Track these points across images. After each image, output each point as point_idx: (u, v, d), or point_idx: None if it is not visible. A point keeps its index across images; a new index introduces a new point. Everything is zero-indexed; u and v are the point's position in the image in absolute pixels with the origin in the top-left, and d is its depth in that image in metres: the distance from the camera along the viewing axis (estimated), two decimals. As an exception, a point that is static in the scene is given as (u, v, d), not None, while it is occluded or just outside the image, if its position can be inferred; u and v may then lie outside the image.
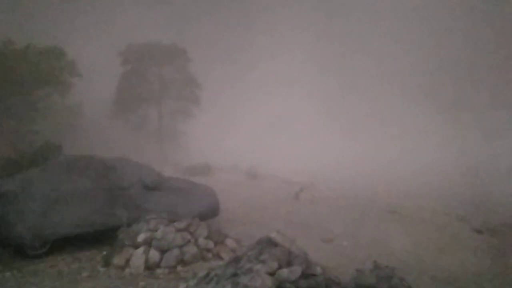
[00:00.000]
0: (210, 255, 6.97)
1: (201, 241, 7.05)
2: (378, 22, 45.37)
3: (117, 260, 6.42)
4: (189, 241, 6.89)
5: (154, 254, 6.47)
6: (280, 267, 4.28)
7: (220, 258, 6.91)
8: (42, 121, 20.14)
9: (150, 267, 6.32)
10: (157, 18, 42.00)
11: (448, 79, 38.84)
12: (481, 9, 39.21)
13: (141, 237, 6.69)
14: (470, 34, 39.67)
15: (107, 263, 6.53)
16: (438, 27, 42.40)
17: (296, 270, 4.23)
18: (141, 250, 6.49)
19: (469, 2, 39.88)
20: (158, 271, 6.27)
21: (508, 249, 9.54)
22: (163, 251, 6.56)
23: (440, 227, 11.46)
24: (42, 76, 18.86)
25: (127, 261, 6.39)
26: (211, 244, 7.12)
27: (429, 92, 37.86)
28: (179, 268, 6.42)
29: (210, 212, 9.01)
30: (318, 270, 4.43)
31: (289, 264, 4.39)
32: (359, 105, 39.37)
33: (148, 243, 6.63)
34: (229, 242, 7.54)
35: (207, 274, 4.79)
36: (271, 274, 4.15)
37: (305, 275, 4.26)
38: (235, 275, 4.31)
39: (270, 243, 4.69)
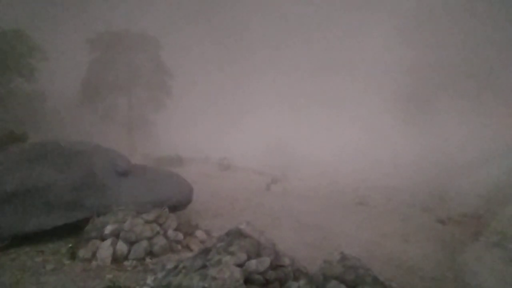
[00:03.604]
0: (179, 246, 6.92)
1: (171, 232, 6.99)
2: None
3: (83, 252, 6.27)
4: (158, 233, 6.81)
5: (122, 246, 6.36)
6: (249, 258, 4.29)
7: (190, 249, 6.87)
8: (4, 108, 19.26)
9: (117, 259, 6.21)
10: (130, 5, 40.84)
11: (415, 77, 39.80)
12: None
13: (108, 229, 6.56)
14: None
15: (72, 255, 6.36)
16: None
17: (264, 261, 4.26)
18: (108, 242, 6.36)
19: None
20: (126, 263, 6.18)
21: (468, 239, 9.97)
22: (131, 243, 6.45)
23: (406, 218, 11.84)
24: (2, 60, 17.96)
25: (94, 253, 6.25)
26: (180, 236, 7.07)
27: (394, 88, 38.69)
28: (148, 260, 6.34)
29: (184, 198, 8.90)
30: (287, 261, 4.48)
31: (258, 255, 4.41)
32: (327, 98, 39.74)
33: (115, 235, 6.51)
34: (199, 233, 7.52)
35: (176, 266, 4.75)
36: (240, 265, 4.16)
37: (273, 266, 4.30)
38: (203, 267, 4.29)
39: (239, 234, 4.69)
